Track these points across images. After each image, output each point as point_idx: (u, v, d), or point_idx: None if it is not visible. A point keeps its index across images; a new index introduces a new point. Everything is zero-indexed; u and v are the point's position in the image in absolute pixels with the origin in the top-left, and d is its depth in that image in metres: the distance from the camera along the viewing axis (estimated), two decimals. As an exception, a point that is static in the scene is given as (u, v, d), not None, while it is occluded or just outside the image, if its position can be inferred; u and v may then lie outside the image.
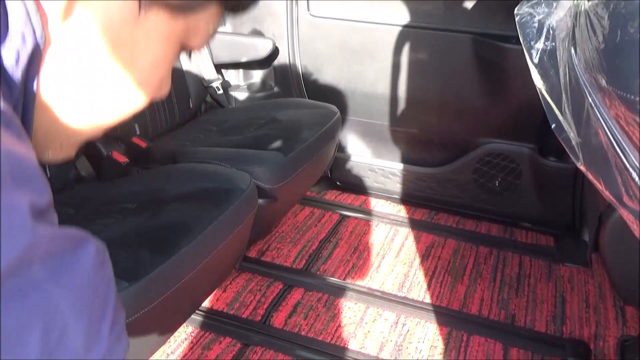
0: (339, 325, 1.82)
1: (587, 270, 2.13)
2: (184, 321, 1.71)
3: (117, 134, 1.99)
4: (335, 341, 1.76)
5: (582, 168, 0.96)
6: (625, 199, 0.83)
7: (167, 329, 1.50)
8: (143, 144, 1.98)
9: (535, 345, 1.76)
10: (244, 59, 2.50)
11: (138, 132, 2.08)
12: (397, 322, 1.84)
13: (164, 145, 2.09)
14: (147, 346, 1.42)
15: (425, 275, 2.08)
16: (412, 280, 2.05)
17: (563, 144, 0.99)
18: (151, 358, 1.64)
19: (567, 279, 2.09)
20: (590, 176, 0.94)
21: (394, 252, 2.21)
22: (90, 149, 1.91)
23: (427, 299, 1.96)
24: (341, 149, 2.57)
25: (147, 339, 1.39)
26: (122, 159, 1.87)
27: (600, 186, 0.91)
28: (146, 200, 1.62)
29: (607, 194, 0.89)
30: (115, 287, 0.44)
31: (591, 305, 1.95)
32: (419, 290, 2.00)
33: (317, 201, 2.56)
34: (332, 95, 2.45)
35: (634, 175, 0.78)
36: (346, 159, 2.58)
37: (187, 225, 1.44)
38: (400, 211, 2.51)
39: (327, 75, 2.45)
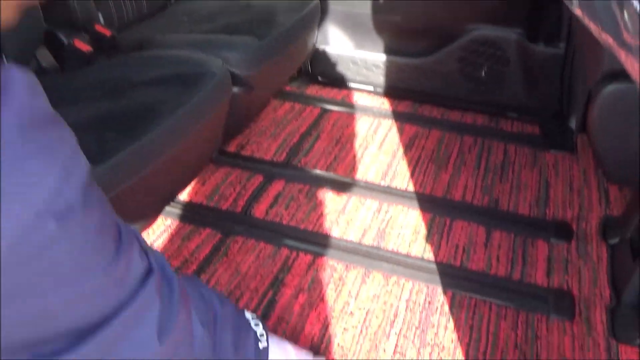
0: (321, 214, 1.79)
1: (572, 156, 2.10)
2: (159, 211, 1.67)
3: (78, 23, 1.85)
4: (318, 229, 1.74)
5: (577, 12, 0.88)
6: (625, 36, 0.75)
7: (142, 217, 1.46)
8: (107, 33, 1.85)
9: (518, 228, 1.75)
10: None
11: (102, 21, 1.94)
12: (379, 210, 1.82)
13: (131, 34, 1.96)
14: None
15: (409, 164, 2.04)
16: (395, 169, 2.01)
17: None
18: (130, 250, 1.61)
19: (552, 165, 2.06)
20: (586, 20, 0.86)
21: (376, 144, 2.16)
22: (50, 37, 1.78)
23: (411, 187, 1.93)
24: (322, 41, 2.44)
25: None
26: (85, 47, 1.75)
27: (597, 30, 0.84)
28: (112, 87, 1.52)
29: (604, 37, 0.82)
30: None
31: (575, 189, 1.93)
32: (402, 179, 1.97)
33: (298, 96, 2.47)
34: (310, -19, 2.29)
35: (635, 4, 0.70)
36: (326, 51, 2.47)
37: (156, 108, 1.36)
38: (384, 104, 2.43)
39: (304, -42, 2.28)
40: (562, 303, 1.49)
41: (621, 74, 1.58)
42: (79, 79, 1.63)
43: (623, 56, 0.80)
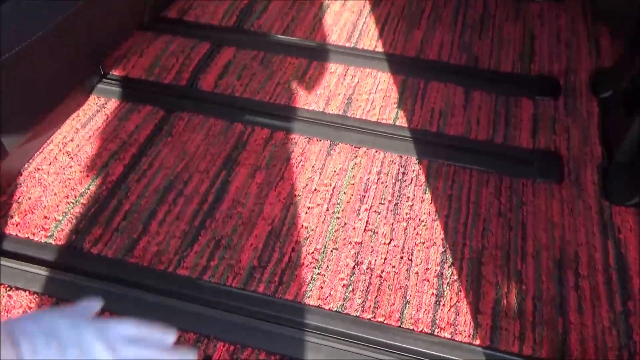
0: (279, 83, 1.56)
1: (559, 4, 1.86)
2: (80, 85, 1.42)
3: None
4: (275, 100, 1.52)
5: None
6: None
7: (53, 92, 1.22)
8: None
9: (500, 86, 1.56)
10: None
11: None
12: (345, 75, 1.59)
13: None
14: (32, 113, 1.15)
15: (377, 23, 1.79)
16: (362, 29, 1.76)
17: None
18: (58, 134, 1.39)
19: (537, 16, 1.83)
20: None
21: (339, 1, 1.88)
22: None
23: (379, 48, 1.69)
24: None
25: (27, 105, 1.11)
26: None
27: None
28: None
29: None
30: None
31: (562, 41, 1.72)
32: (370, 40, 1.72)
33: (247, -49, 2.12)
34: None
35: None
36: None
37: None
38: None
39: None
40: (550, 165, 1.35)
41: None
42: None
43: None
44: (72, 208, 1.24)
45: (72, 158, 1.35)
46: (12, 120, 1.12)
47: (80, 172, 1.32)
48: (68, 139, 1.39)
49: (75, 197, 1.26)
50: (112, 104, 1.49)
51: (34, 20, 1.02)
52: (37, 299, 1.09)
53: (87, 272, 1.13)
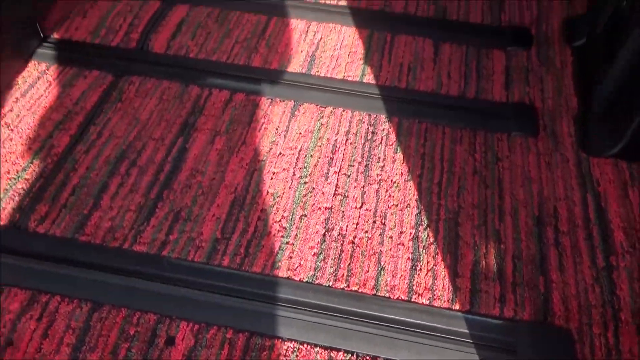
0: (236, 42, 1.46)
1: (528, -49, 1.79)
2: (20, 49, 1.30)
3: None
4: (233, 60, 1.42)
5: None
6: None
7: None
8: None
9: (471, 38, 1.49)
10: None
11: None
12: (307, 31, 1.49)
13: None
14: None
15: (339, -26, 1.68)
16: (323, -19, 1.65)
17: None
18: (-5, 105, 1.26)
19: (506, -37, 1.74)
20: None
21: (298, -48, 1.76)
22: None
23: (343, 2, 1.59)
24: None
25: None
26: None
27: None
28: None
29: None
30: None
31: (533, -11, 1.65)
32: (332, -7, 1.62)
33: None
34: None
35: None
36: None
37: None
38: None
39: None
40: (524, 118, 1.29)
41: None
42: None
43: None
44: (14, 184, 1.13)
45: (12, 130, 1.23)
46: None
47: (22, 145, 1.20)
48: (7, 109, 1.27)
49: (17, 173, 1.15)
50: (55, 69, 1.36)
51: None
52: (-22, 286, 0.99)
53: (34, 253, 1.03)
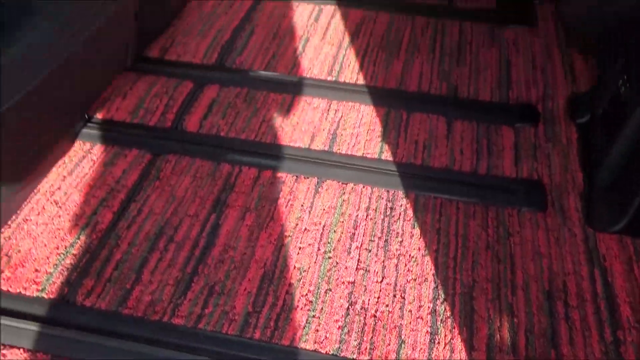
0: (263, 121, 1.58)
1: (533, 30, 1.92)
2: (69, 132, 1.43)
3: None
4: (261, 138, 1.53)
5: None
6: None
7: (40, 143, 1.22)
8: None
9: (481, 115, 1.60)
10: None
11: None
12: (328, 109, 1.62)
13: None
14: (21, 167, 1.15)
15: (357, 55, 1.82)
16: (342, 62, 1.79)
17: None
18: (45, 183, 1.38)
19: (512, 42, 1.87)
20: None
21: (319, 34, 1.91)
22: None
23: (361, 81, 1.72)
24: None
25: (16, 159, 1.10)
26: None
27: None
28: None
29: None
30: None
31: (538, 67, 1.77)
32: (351, 72, 1.75)
33: (225, -15, 2.15)
34: None
35: None
36: None
37: (31, 3, 1.07)
38: (324, -13, 2.15)
39: None
40: (533, 194, 1.37)
41: None
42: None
43: None
44: (62, 259, 1.23)
45: (60, 207, 1.34)
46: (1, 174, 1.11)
47: (69, 221, 1.31)
48: (55, 187, 1.38)
49: (66, 248, 1.25)
50: (98, 148, 1.49)
51: (21, 75, 1.03)
52: (31, 357, 1.08)
53: (81, 325, 1.13)
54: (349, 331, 1.12)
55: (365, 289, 1.19)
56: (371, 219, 1.33)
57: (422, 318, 1.14)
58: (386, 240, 1.28)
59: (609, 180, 1.35)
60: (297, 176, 1.43)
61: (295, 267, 1.23)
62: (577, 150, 1.48)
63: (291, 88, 1.68)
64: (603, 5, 1.37)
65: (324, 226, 1.31)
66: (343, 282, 1.20)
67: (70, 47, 1.10)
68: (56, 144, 1.30)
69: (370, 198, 1.37)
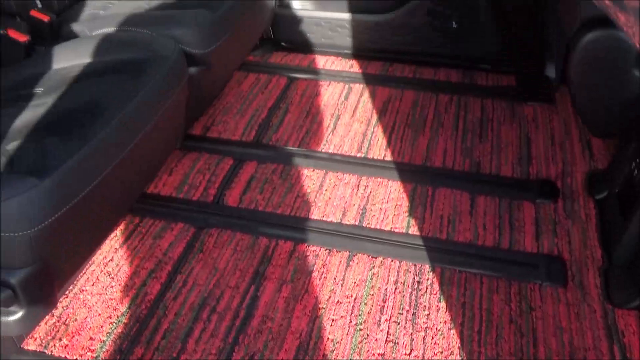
0: (298, 196, 1.70)
1: (552, 106, 2.03)
2: (125, 211, 1.56)
3: (12, 9, 1.68)
4: (296, 213, 1.65)
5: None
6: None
7: (105, 223, 1.35)
8: (45, 18, 1.68)
9: (503, 191, 1.69)
10: None
11: (40, 5, 1.77)
12: (358, 185, 1.73)
13: (72, 17, 1.79)
14: (86, 244, 1.28)
15: (384, 131, 1.95)
16: (371, 139, 1.92)
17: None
18: (99, 255, 1.51)
19: (532, 118, 1.98)
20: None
21: (349, 112, 2.05)
22: (-18, 29, 1.62)
23: (388, 157, 1.84)
24: (281, 4, 2.29)
25: (82, 238, 1.24)
26: (21, 37, 1.59)
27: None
28: (54, 81, 1.39)
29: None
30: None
31: (557, 143, 1.87)
32: (379, 149, 1.87)
33: (262, 66, 2.33)
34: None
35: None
36: (288, 15, 2.32)
37: (102, 105, 1.23)
38: (353, 67, 2.31)
39: None
40: (554, 269, 1.45)
41: (600, 21, 1.49)
42: (16, 73, 1.48)
43: (623, 19, 0.71)
44: (115, 328, 1.34)
45: (112, 278, 1.46)
46: (64, 268, 1.23)
47: (121, 291, 1.43)
48: (108, 259, 1.51)
49: (118, 317, 1.37)
50: (147, 222, 1.62)
51: (95, 167, 1.16)
52: (86, 422, 1.17)
53: (131, 392, 1.22)
54: (379, 402, 1.19)
55: (395, 361, 1.26)
56: (400, 292, 1.41)
57: (449, 391, 1.20)
58: (414, 314, 1.36)
59: (627, 257, 1.41)
60: (329, 249, 1.53)
61: (328, 338, 1.31)
62: (595, 226, 1.56)
63: (323, 164, 1.81)
64: (624, 110, 1.47)
65: (355, 299, 1.40)
66: (373, 354, 1.28)
67: (133, 140, 1.24)
68: (109, 218, 1.42)
69: (398, 272, 1.46)
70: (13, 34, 1.58)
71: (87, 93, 1.29)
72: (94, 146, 1.14)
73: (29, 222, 1.00)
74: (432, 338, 1.30)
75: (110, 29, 1.64)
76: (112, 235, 1.57)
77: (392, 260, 1.49)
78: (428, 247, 1.52)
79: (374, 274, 1.46)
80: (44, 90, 1.35)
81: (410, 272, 1.46)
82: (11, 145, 1.11)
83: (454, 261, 1.48)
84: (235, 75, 2.25)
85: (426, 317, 1.35)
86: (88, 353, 1.29)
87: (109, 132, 1.18)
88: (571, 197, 1.66)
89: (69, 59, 1.46)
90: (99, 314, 1.38)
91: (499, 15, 2.10)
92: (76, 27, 1.73)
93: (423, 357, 1.27)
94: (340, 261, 1.50)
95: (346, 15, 2.26)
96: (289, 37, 2.38)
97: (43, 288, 1.11)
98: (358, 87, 2.18)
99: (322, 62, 2.35)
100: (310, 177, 1.77)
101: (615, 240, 1.46)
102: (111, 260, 1.51)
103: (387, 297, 1.40)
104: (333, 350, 1.29)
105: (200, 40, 1.59)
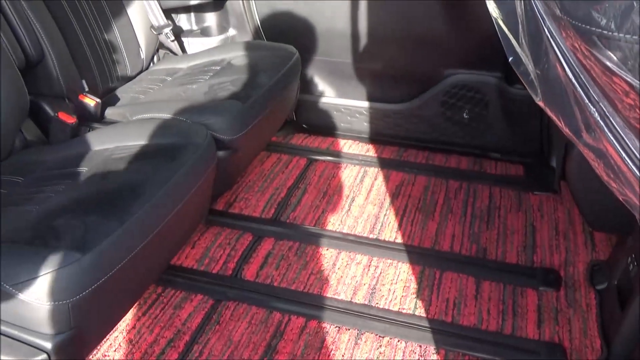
0: (312, 273, 1.80)
1: (556, 197, 2.13)
2: (151, 283, 1.67)
3: (63, 93, 1.88)
4: (309, 289, 1.75)
5: (540, 104, 0.90)
6: (584, 135, 0.78)
7: (133, 293, 1.46)
8: (92, 102, 1.87)
9: (507, 277, 1.77)
10: (193, 2, 2.35)
11: (87, 89, 1.96)
12: (369, 265, 1.83)
13: (115, 101, 1.98)
14: (115, 312, 1.39)
15: (396, 215, 2.06)
16: (383, 221, 2.03)
17: (521, 78, 0.93)
18: (123, 322, 1.61)
19: (537, 208, 2.08)
20: (549, 112, 0.89)
21: (363, 194, 2.18)
22: (36, 109, 1.80)
23: (399, 239, 1.94)
24: (304, 90, 2.48)
25: (112, 307, 1.35)
26: (69, 119, 1.77)
27: (559, 122, 0.87)
28: (97, 162, 1.54)
29: (566, 130, 0.85)
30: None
31: (561, 232, 1.96)
32: (390, 231, 1.98)
33: (284, 146, 2.49)
34: (291, 34, 2.33)
35: (593, 110, 0.73)
36: (310, 100, 2.50)
37: (139, 187, 1.37)
38: (369, 151, 2.46)
39: (283, 13, 2.32)
40: (554, 357, 1.50)
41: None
42: (65, 152, 1.64)
43: (584, 150, 0.82)
44: (133, 394, 1.42)
45: (133, 345, 1.55)
46: (94, 334, 1.34)
47: (141, 359, 1.52)
48: (131, 326, 1.61)
49: (136, 384, 1.45)
50: (168, 292, 1.73)
51: (129, 243, 1.29)
52: None
53: None
54: None
55: None
56: (404, 372, 1.48)
57: None
58: (417, 394, 1.42)
59: (624, 349, 1.47)
60: (339, 327, 1.61)
61: (334, 415, 1.38)
62: (596, 317, 1.62)
63: (337, 244, 1.92)
64: (620, 208, 1.56)
65: (361, 377, 1.47)
66: None
67: (165, 219, 1.37)
68: (141, 291, 1.53)
69: (404, 352, 1.53)
70: (63, 116, 1.76)
71: (126, 175, 1.44)
72: (130, 225, 1.27)
73: (69, 292, 1.12)
74: (434, 420, 1.36)
75: (148, 115, 1.81)
76: (136, 304, 1.68)
77: (398, 341, 1.56)
78: (433, 329, 1.60)
79: (380, 353, 1.53)
80: (87, 169, 1.50)
81: (415, 353, 1.53)
82: (58, 221, 1.25)
83: (457, 344, 1.55)
84: (259, 154, 2.41)
85: (429, 398, 1.41)
86: (107, 417, 1.37)
87: (144, 213, 1.31)
88: (573, 287, 1.73)
89: (112, 141, 1.63)
90: (119, 380, 1.46)
91: (506, 109, 2.24)
92: (118, 110, 1.91)
93: None
94: (349, 339, 1.57)
95: (365, 104, 2.43)
96: (310, 120, 2.56)
97: (74, 354, 1.21)
98: (373, 171, 2.32)
99: (341, 144, 2.51)
100: (324, 256, 1.87)
101: (614, 331, 1.52)
102: (133, 327, 1.61)
103: (392, 376, 1.47)
104: None
105: (229, 128, 1.75)
